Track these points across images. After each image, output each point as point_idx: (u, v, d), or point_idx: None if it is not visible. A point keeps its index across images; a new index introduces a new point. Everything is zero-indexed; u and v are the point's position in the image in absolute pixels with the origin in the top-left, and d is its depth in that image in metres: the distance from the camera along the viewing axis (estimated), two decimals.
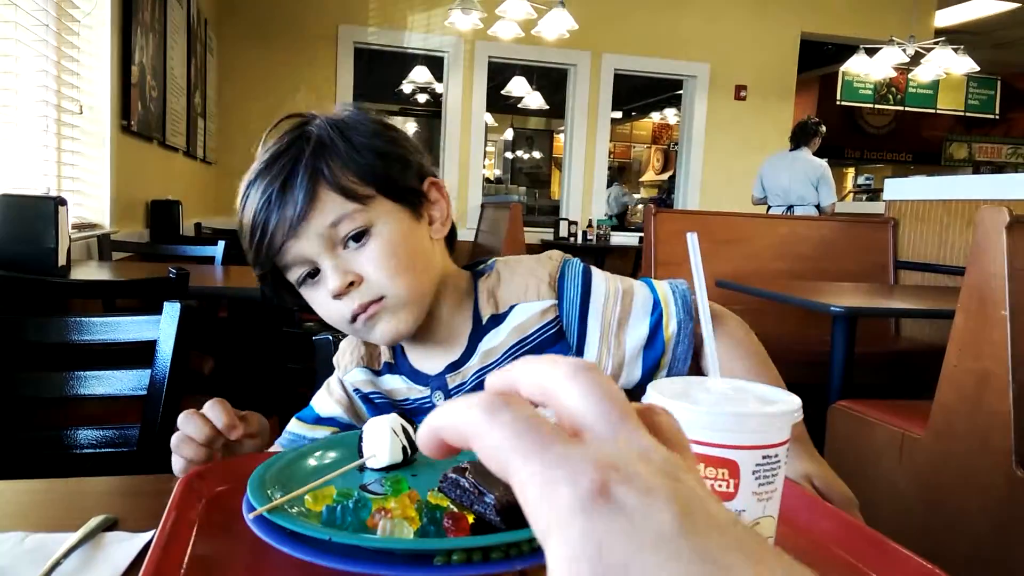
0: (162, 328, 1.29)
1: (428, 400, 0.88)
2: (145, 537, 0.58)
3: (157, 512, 0.58)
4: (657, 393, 0.52)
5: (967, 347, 1.67)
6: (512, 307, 0.87)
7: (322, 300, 0.82)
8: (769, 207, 5.56)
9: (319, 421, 0.94)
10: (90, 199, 3.09)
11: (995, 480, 1.57)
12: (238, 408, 0.77)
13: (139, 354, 1.31)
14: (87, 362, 1.32)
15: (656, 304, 0.87)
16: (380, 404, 0.91)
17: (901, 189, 3.50)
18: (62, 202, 2.14)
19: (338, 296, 0.79)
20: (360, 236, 0.79)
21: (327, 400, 0.94)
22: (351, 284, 0.79)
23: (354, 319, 0.80)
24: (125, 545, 0.57)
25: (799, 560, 0.23)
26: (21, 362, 1.39)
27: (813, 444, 0.84)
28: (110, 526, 0.60)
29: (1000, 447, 1.56)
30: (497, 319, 0.87)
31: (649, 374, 0.88)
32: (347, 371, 0.93)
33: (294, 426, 0.94)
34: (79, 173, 3.02)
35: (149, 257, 3.13)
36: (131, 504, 0.67)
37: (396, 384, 0.90)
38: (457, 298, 0.89)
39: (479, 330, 0.87)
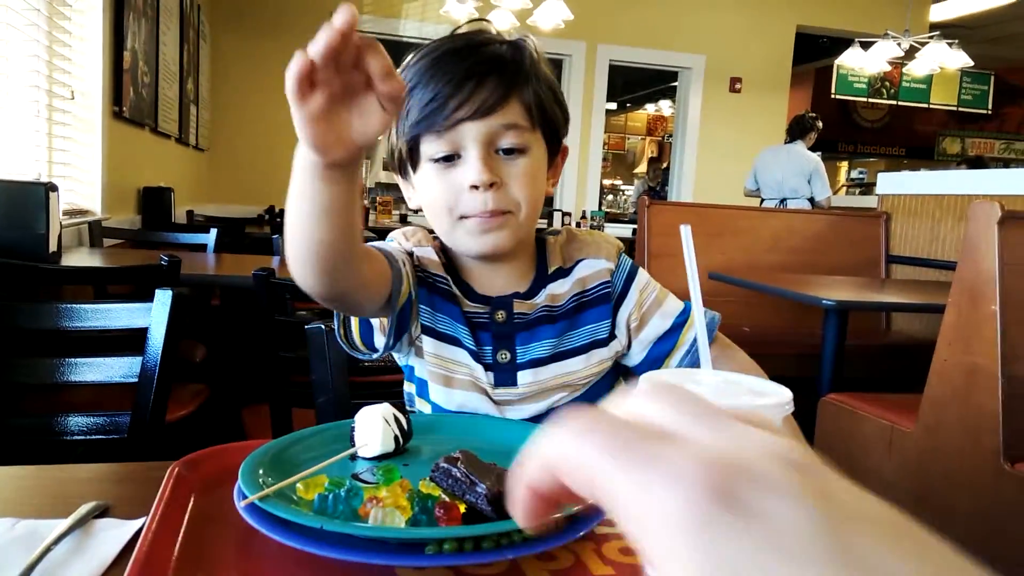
0: (153, 315, 1.28)
1: (486, 315, 0.92)
2: (136, 524, 0.58)
3: (149, 499, 0.58)
4: (649, 385, 0.52)
5: (957, 341, 1.68)
6: (579, 261, 0.96)
7: (443, 184, 0.85)
8: (762, 200, 5.57)
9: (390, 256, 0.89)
10: (81, 185, 3.07)
11: (984, 474, 1.58)
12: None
13: (131, 341, 1.31)
14: (78, 349, 1.32)
15: (685, 312, 0.96)
16: (438, 291, 0.90)
17: (894, 183, 3.51)
18: (53, 188, 2.13)
19: (474, 189, 0.83)
20: (512, 152, 0.85)
21: (402, 256, 0.90)
22: (492, 184, 0.83)
23: (469, 216, 0.85)
24: (116, 532, 0.57)
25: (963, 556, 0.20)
26: (11, 348, 1.39)
27: (804, 437, 0.85)
28: (101, 513, 0.60)
29: (989, 441, 1.57)
30: (563, 272, 0.95)
31: (647, 366, 0.95)
32: (418, 245, 0.94)
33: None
34: (70, 159, 3.00)
35: (141, 244, 3.12)
36: (123, 491, 0.67)
37: (454, 290, 0.93)
38: (528, 246, 0.96)
39: (544, 278, 0.95)
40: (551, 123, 0.90)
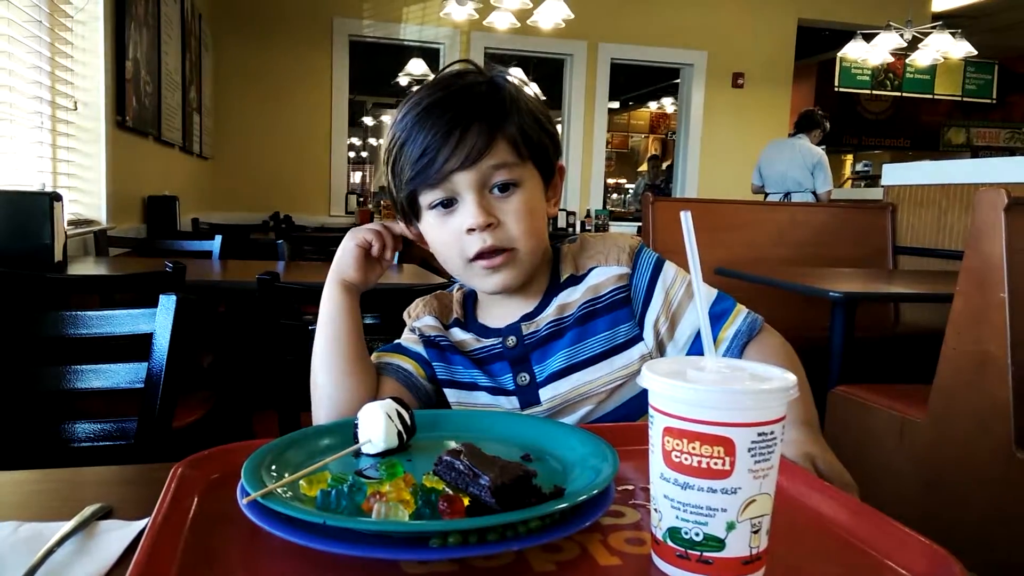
0: (158, 321, 1.28)
1: (499, 346, 0.95)
2: (139, 525, 0.58)
3: (152, 500, 0.58)
4: (651, 373, 0.51)
5: (966, 330, 1.66)
6: (591, 269, 0.96)
7: (446, 230, 0.89)
8: (767, 195, 5.55)
9: (399, 349, 0.99)
10: (86, 195, 3.08)
11: (995, 463, 1.57)
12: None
13: (138, 348, 1.31)
14: (86, 357, 1.32)
15: (726, 308, 0.93)
16: (446, 347, 0.98)
17: (899, 174, 3.49)
18: (57, 198, 2.14)
19: (472, 231, 0.86)
20: (506, 187, 0.88)
21: (408, 337, 1.01)
22: (489, 225, 0.86)
23: (476, 258, 0.88)
24: (119, 533, 0.57)
25: None
26: (18, 357, 1.39)
27: (818, 423, 0.84)
28: (105, 514, 0.60)
29: (999, 430, 1.56)
30: (575, 279, 0.96)
31: None
32: (418, 318, 1.00)
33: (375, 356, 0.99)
34: (75, 169, 3.01)
35: (146, 252, 3.12)
36: (126, 493, 0.67)
37: (464, 337, 0.98)
38: (543, 265, 0.97)
39: (555, 287, 0.97)
40: (540, 151, 0.91)
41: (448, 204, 0.88)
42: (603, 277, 0.95)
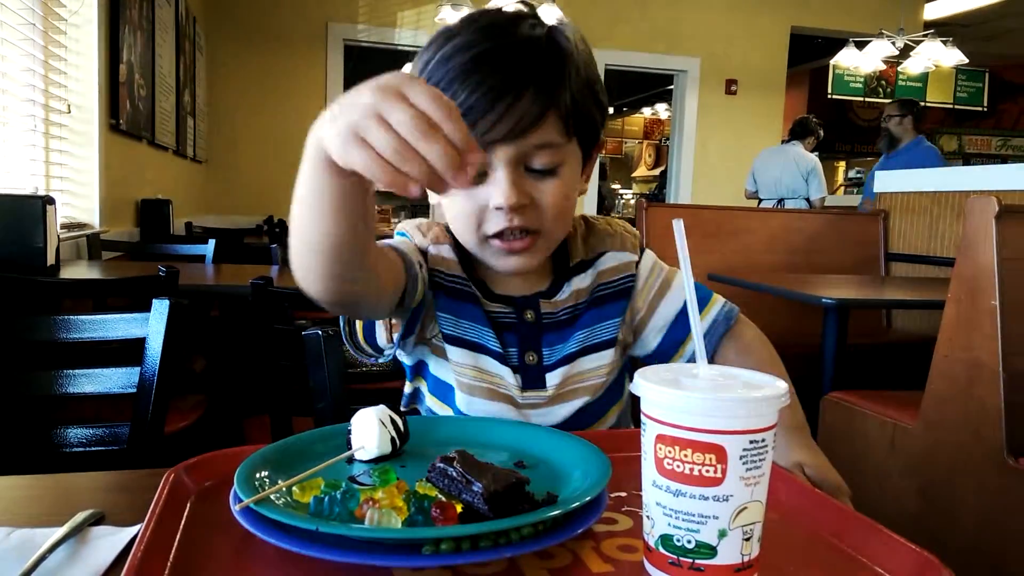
0: (151, 325, 1.28)
1: (512, 315, 0.89)
2: (132, 531, 0.58)
3: (144, 506, 0.58)
4: (644, 380, 0.52)
5: (958, 337, 1.67)
6: (602, 253, 0.93)
7: (468, 201, 0.81)
8: (760, 201, 5.57)
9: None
10: (79, 199, 3.07)
11: (986, 469, 1.57)
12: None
13: (130, 352, 1.31)
14: (78, 361, 1.32)
15: (703, 299, 0.92)
16: (459, 294, 0.87)
17: (891, 181, 3.51)
18: (50, 201, 2.13)
19: (499, 209, 0.79)
20: (543, 171, 0.81)
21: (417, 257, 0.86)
22: (521, 206, 0.79)
23: (497, 236, 0.81)
24: (111, 539, 0.57)
25: None
26: (10, 361, 1.39)
27: (808, 428, 0.84)
28: (97, 520, 0.60)
29: (991, 436, 1.57)
30: (585, 264, 0.92)
31: (663, 353, 0.93)
32: (435, 243, 0.88)
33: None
34: (68, 173, 3.00)
35: (139, 256, 3.11)
36: (118, 499, 0.67)
37: (475, 292, 0.89)
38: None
39: (565, 269, 0.92)
40: (588, 126, 0.85)
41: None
42: (615, 263, 0.93)
